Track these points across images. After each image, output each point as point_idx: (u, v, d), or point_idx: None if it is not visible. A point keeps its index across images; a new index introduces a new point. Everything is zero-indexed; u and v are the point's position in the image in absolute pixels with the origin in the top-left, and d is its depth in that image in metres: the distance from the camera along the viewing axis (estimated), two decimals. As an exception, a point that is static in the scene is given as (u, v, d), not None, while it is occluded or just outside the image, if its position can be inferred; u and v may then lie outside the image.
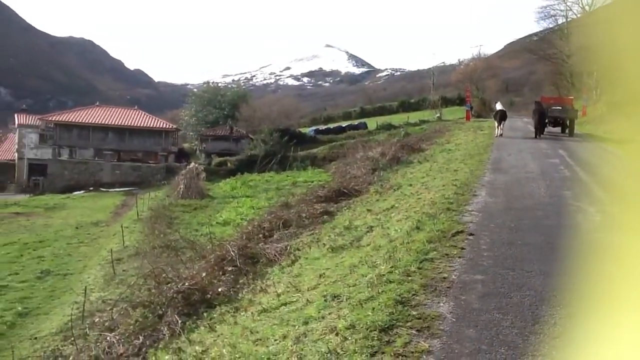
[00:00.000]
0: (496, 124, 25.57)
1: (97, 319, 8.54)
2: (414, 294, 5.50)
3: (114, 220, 26.40)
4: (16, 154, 46.24)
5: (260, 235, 11.53)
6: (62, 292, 15.61)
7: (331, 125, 57.16)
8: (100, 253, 19.55)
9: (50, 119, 45.78)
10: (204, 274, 8.46)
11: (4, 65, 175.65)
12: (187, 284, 7.93)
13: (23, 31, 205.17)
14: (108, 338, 6.79)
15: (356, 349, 4.47)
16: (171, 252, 16.47)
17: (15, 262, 18.96)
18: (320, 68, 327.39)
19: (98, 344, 6.86)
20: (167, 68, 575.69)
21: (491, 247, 7.11)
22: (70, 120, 45.06)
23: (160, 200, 28.71)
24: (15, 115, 49.86)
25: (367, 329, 4.77)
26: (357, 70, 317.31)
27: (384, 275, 6.18)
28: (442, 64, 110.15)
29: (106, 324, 7.89)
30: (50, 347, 9.18)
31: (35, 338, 11.55)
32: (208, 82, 71.25)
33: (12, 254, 20.19)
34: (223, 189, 32.39)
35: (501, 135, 24.68)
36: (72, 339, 7.78)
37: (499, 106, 26.72)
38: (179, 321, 7.02)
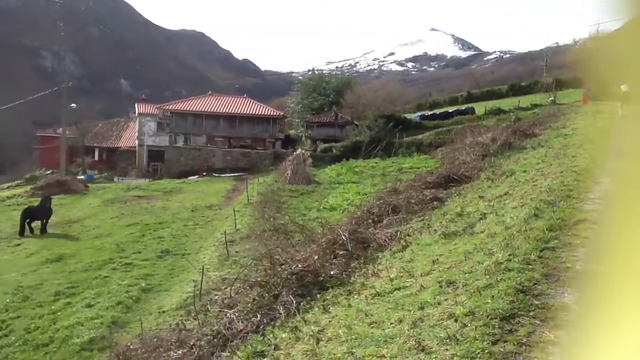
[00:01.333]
0: (619, 105, 23.91)
1: (217, 297, 8.99)
2: (535, 283, 5.29)
3: (226, 204, 27.57)
4: (137, 141, 49.45)
5: (370, 221, 11.57)
6: (181, 271, 16.57)
7: (437, 111, 56.03)
8: (214, 235, 20.50)
9: (167, 107, 48.42)
10: (316, 257, 8.63)
11: (125, 58, 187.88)
12: (300, 266, 8.13)
13: (141, 26, 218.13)
14: (228, 314, 7.13)
15: (476, 336, 4.38)
16: (280, 235, 16.97)
17: (139, 242, 20.33)
18: (425, 52, 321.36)
19: (218, 319, 7.22)
20: (273, 57, 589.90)
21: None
22: (185, 109, 47.42)
23: (268, 185, 29.60)
24: (136, 105, 53.24)
25: (487, 317, 4.66)
26: (464, 54, 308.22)
27: (502, 263, 6.00)
28: (556, 45, 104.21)
29: (225, 301, 8.29)
30: (175, 321, 9.77)
31: (163, 311, 12.37)
32: (313, 70, 72.11)
33: (136, 234, 21.68)
34: (329, 175, 32.83)
35: (625, 117, 23.03)
36: (194, 314, 8.27)
37: (624, 87, 24.93)
38: (294, 301, 7.22)
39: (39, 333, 12.21)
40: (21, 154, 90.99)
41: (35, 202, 27.04)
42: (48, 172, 44.48)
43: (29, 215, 24.19)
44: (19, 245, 22.18)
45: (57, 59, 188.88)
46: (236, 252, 16.86)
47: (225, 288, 10.96)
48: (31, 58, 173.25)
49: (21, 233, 23.62)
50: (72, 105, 47.69)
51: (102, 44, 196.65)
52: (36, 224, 24.08)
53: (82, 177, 41.57)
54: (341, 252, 8.92)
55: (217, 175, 40.57)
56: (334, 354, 5.01)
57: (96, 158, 53.34)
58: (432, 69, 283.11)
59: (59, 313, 13.31)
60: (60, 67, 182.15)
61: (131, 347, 7.23)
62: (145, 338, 7.43)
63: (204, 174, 41.11)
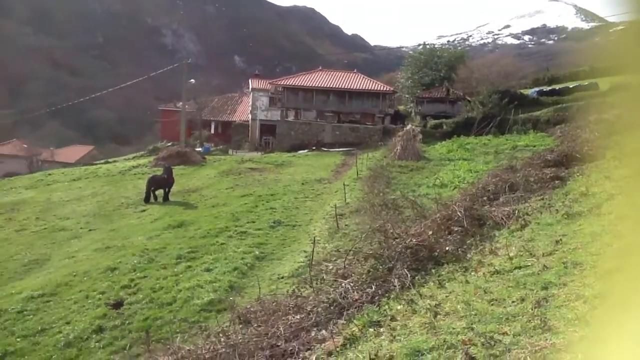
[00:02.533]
0: None
1: (331, 267, 9.18)
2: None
3: (335, 178, 27.90)
4: (250, 116, 51.11)
5: (485, 198, 11.26)
6: (292, 241, 17.05)
7: (556, 87, 52.96)
8: (324, 208, 20.85)
9: (278, 83, 49.49)
10: (430, 233, 8.56)
11: (239, 35, 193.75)
12: (414, 240, 8.11)
13: (255, 3, 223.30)
14: (343, 284, 7.27)
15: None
16: (390, 210, 16.97)
17: (252, 212, 21.12)
18: (544, 25, 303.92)
19: (334, 288, 7.39)
20: (382, 32, 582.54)
21: None
22: (296, 84, 48.23)
23: (377, 160, 29.56)
24: (249, 80, 54.89)
25: (620, 300, 4.41)
26: (586, 25, 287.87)
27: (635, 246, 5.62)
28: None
29: (339, 271, 8.45)
30: (287, 289, 10.11)
31: (276, 279, 12.84)
32: (423, 44, 70.51)
33: (249, 204, 22.52)
34: (439, 151, 32.21)
35: None
36: (310, 281, 8.51)
37: None
38: (409, 275, 7.22)
39: (163, 293, 13.07)
40: (144, 127, 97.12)
41: (159, 171, 28.82)
42: (169, 144, 47.17)
43: (153, 183, 25.86)
44: (144, 211, 23.82)
45: (176, 37, 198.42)
46: (346, 225, 17.07)
47: (336, 260, 11.17)
48: (153, 37, 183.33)
49: (146, 200, 25.34)
50: (191, 80, 50.07)
51: (218, 21, 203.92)
52: (159, 191, 25.71)
53: (199, 149, 43.75)
54: (456, 229, 8.78)
55: (326, 149, 41.09)
56: (453, 329, 4.97)
57: (212, 131, 55.74)
58: (551, 42, 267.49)
59: (181, 275, 14.18)
60: (180, 45, 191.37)
61: (251, 309, 7.60)
62: (263, 302, 7.77)
63: (314, 148, 41.78)
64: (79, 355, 10.34)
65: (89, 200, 26.82)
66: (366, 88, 47.09)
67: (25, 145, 76.47)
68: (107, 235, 19.86)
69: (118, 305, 12.49)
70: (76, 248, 18.68)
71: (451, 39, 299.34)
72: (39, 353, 10.57)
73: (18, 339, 11.22)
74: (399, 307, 6.23)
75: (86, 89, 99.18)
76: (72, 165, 54.07)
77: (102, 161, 49.55)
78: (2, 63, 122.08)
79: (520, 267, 6.44)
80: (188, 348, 6.08)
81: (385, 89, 48.19)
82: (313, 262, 12.34)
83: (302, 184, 26.67)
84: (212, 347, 5.94)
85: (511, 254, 6.99)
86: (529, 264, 6.49)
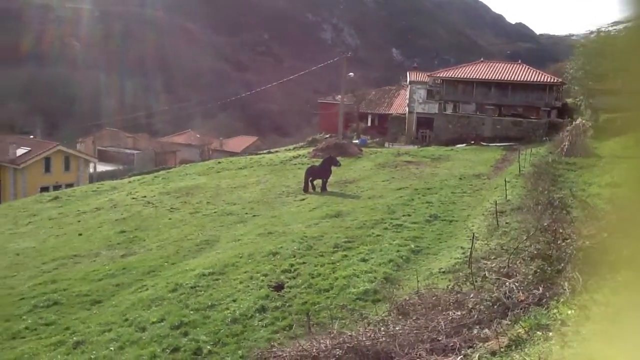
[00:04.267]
0: None
1: (493, 265, 8.86)
2: None
3: (494, 174, 26.86)
4: (407, 108, 50.89)
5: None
6: (448, 237, 16.72)
7: None
8: (483, 204, 20.16)
9: (437, 75, 48.67)
10: (605, 235, 7.89)
11: (396, 28, 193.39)
12: (587, 242, 7.53)
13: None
14: (507, 283, 6.98)
15: None
16: (556, 209, 15.92)
17: (408, 205, 21.04)
18: None
19: (497, 287, 7.12)
20: (549, 19, 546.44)
21: None
22: (455, 76, 47.08)
23: (542, 156, 27.91)
24: (407, 73, 54.61)
25: None
26: None
27: None
28: None
29: (502, 270, 8.12)
30: (443, 284, 9.93)
31: (432, 273, 12.69)
32: (596, 31, 64.96)
33: (405, 197, 22.46)
34: (612, 148, 29.57)
35: None
36: (471, 279, 8.28)
37: None
38: (580, 279, 6.74)
39: (321, 279, 13.51)
40: (303, 119, 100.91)
41: (317, 162, 29.78)
42: (327, 135, 48.53)
43: (311, 174, 26.81)
44: (303, 200, 24.79)
45: (335, 32, 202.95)
46: (506, 223, 16.34)
47: (495, 258, 10.74)
48: (314, 32, 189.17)
49: (305, 189, 26.35)
50: (350, 74, 50.99)
51: (376, 14, 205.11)
52: (317, 182, 26.58)
53: (356, 141, 44.50)
54: (636, 232, 7.97)
55: (485, 144, 39.66)
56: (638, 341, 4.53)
57: (369, 124, 56.36)
58: None
59: (338, 263, 14.54)
60: (339, 39, 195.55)
61: (410, 301, 7.58)
62: (422, 295, 7.71)
63: (472, 142, 40.52)
64: (243, 332, 11.04)
65: (253, 188, 28.51)
66: (530, 80, 44.63)
67: (198, 135, 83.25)
68: (269, 221, 20.96)
69: (279, 287, 13.14)
70: (242, 232, 19.95)
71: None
72: (208, 326, 11.45)
73: (191, 312, 12.24)
74: (569, 312, 5.84)
75: (252, 83, 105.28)
76: (238, 154, 57.86)
77: (265, 151, 52.34)
78: (181, 59, 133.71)
79: None
80: (349, 334, 6.22)
81: (551, 80, 45.30)
82: (472, 259, 12.00)
83: (460, 178, 26.02)
84: (372, 335, 6.03)
85: None
86: None
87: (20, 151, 57.08)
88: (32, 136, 73.59)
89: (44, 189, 50.74)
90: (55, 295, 14.89)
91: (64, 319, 13.35)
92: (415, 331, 5.99)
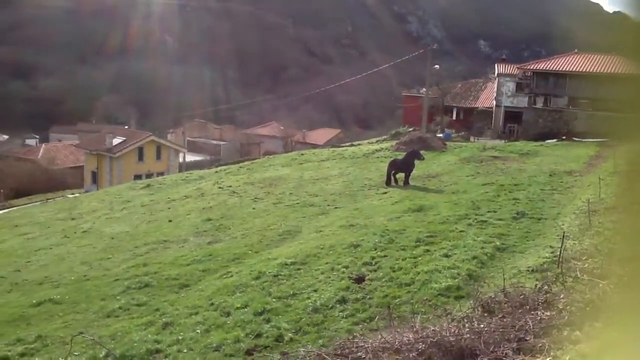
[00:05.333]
0: None
1: (585, 265, 8.47)
2: None
3: (587, 171, 25.62)
4: (494, 102, 49.41)
5: None
6: (536, 235, 16.11)
7: None
8: (574, 202, 19.29)
9: (527, 67, 46.93)
10: None
11: (484, 19, 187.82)
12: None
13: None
14: (600, 285, 6.66)
15: None
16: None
17: (493, 201, 20.45)
18: None
19: (589, 288, 6.80)
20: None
21: None
22: (546, 68, 45.21)
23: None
24: (495, 65, 52.99)
25: None
26: None
27: None
28: None
29: (595, 271, 7.75)
30: (530, 283, 9.60)
31: (518, 272, 12.30)
32: None
33: (490, 193, 21.85)
34: None
35: None
36: (562, 279, 7.96)
37: None
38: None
39: (402, 273, 13.40)
40: (386, 112, 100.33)
41: (400, 156, 29.52)
42: (410, 129, 48.01)
43: (394, 167, 26.61)
44: (385, 193, 24.67)
45: (421, 24, 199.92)
46: (599, 222, 15.54)
47: (587, 259, 10.26)
48: (399, 24, 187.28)
49: (387, 183, 26.21)
50: (436, 66, 50.16)
51: (463, 6, 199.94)
52: (400, 175, 26.36)
53: (440, 135, 43.75)
54: None
55: (578, 139, 37.86)
56: None
57: (454, 117, 55.23)
58: None
59: (419, 258, 14.37)
60: (424, 31, 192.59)
61: (495, 299, 7.39)
62: (509, 293, 7.49)
63: (564, 137, 38.82)
64: (324, 321, 11.15)
65: (335, 180, 28.69)
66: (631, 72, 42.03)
67: (281, 128, 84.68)
68: (350, 214, 21.02)
69: (360, 279, 13.17)
70: (323, 223, 20.14)
71: None
72: (290, 314, 11.65)
73: (274, 299, 12.50)
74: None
75: (336, 76, 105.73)
76: (321, 146, 58.35)
77: (348, 144, 52.50)
78: (267, 53, 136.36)
79: None
80: (433, 328, 6.15)
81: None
82: (562, 259, 11.52)
83: (550, 175, 25.00)
84: (456, 331, 5.92)
85: None
86: None
87: (116, 141, 60.40)
88: (126, 127, 77.71)
89: (137, 177, 53.43)
90: (146, 278, 15.64)
91: (154, 301, 14.01)
92: (501, 329, 5.83)
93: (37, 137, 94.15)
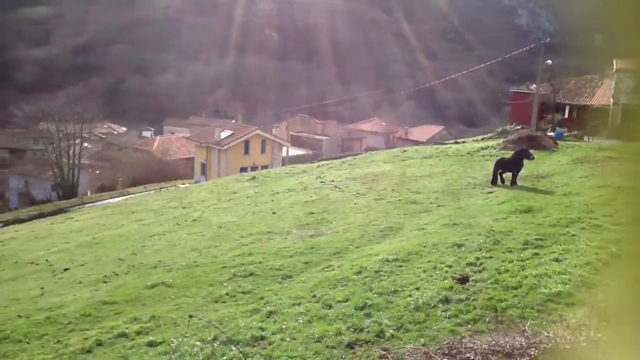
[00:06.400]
0: None
1: None
2: None
3: None
4: (611, 99, 46.40)
5: None
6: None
7: None
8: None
9: (650, 62, 43.59)
10: None
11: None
12: None
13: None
14: None
15: None
16: None
17: (609, 205, 19.19)
18: None
19: None
20: None
21: None
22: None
23: None
24: (613, 61, 49.67)
25: None
26: None
27: None
28: None
29: None
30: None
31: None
32: None
33: (605, 196, 20.53)
34: None
35: None
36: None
37: None
38: None
39: (509, 276, 12.94)
40: (492, 109, 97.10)
41: (507, 154, 28.49)
42: (518, 127, 46.18)
43: (501, 166, 25.72)
44: (490, 192, 23.91)
45: (532, 17, 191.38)
46: None
47: None
48: (508, 17, 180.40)
49: (493, 182, 25.39)
50: (548, 61, 47.83)
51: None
52: (507, 175, 25.44)
53: (551, 133, 41.74)
54: None
55: None
56: None
57: (566, 115, 52.48)
58: None
59: (527, 261, 13.81)
60: (535, 25, 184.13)
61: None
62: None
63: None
64: (426, 320, 11.03)
65: (438, 178, 28.20)
66: None
67: (383, 124, 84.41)
68: (454, 213, 20.59)
69: (464, 280, 12.88)
70: (426, 221, 19.87)
71: None
72: (391, 311, 11.62)
73: (375, 295, 12.52)
74: None
75: (440, 71, 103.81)
76: (423, 143, 57.57)
77: (452, 141, 51.39)
78: (370, 48, 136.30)
79: None
80: (546, 334, 5.91)
81: None
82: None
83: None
84: (571, 339, 5.66)
85: None
86: None
87: (224, 134, 62.91)
88: (233, 121, 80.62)
89: (243, 169, 55.40)
90: (251, 267, 16.19)
91: (258, 289, 14.48)
92: (621, 340, 5.50)
93: (152, 129, 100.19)
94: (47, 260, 22.06)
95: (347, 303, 12.19)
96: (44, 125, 69.35)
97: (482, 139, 46.24)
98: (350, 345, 10.24)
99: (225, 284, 15.09)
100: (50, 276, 19.32)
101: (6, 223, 43.21)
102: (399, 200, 24.03)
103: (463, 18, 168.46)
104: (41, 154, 70.29)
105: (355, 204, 24.40)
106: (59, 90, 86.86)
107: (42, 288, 17.44)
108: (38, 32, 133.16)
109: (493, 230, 16.81)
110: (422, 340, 10.08)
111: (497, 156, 29.67)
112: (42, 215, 43.84)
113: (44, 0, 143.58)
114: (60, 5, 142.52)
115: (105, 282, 17.08)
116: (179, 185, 52.64)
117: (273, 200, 27.77)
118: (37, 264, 21.70)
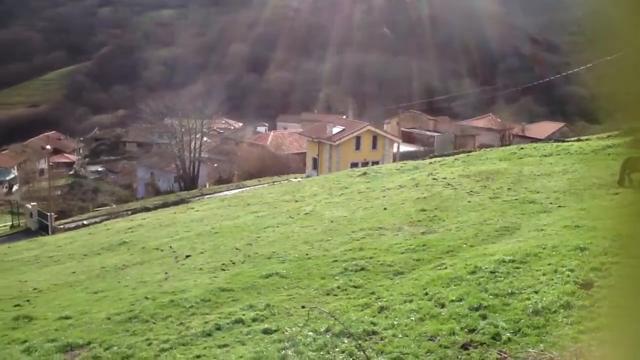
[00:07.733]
0: None
1: None
2: None
3: None
4: None
5: None
6: None
7: None
8: None
9: None
10: None
11: None
12: None
13: None
14: None
15: None
16: None
17: None
18: None
19: None
20: None
21: None
22: None
23: None
24: None
25: None
26: None
27: None
28: None
29: None
30: None
31: None
32: None
33: None
34: None
35: None
36: None
37: None
38: None
39: (638, 283, 12.08)
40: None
41: (636, 153, 26.47)
42: (649, 123, 42.71)
43: (629, 165, 23.95)
44: (616, 194, 22.35)
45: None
46: None
47: None
48: None
49: (620, 182, 23.70)
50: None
51: None
52: (636, 175, 23.65)
53: (688, 131, 38.23)
54: None
55: None
56: None
57: None
58: None
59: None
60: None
61: None
62: None
63: None
64: (546, 325, 10.54)
65: (559, 177, 26.78)
66: None
67: (499, 120, 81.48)
68: (576, 214, 19.47)
69: (587, 286, 12.17)
70: (545, 222, 18.96)
71: None
72: (508, 313, 11.22)
73: (490, 296, 12.15)
74: None
75: (561, 66, 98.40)
76: (542, 141, 54.90)
77: (574, 139, 48.55)
78: (484, 42, 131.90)
79: None
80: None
81: None
82: None
83: None
84: None
85: None
86: None
87: (335, 130, 63.66)
88: (345, 116, 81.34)
89: (354, 165, 55.80)
90: (362, 262, 16.28)
91: (369, 284, 14.54)
92: None
93: (267, 124, 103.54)
94: (170, 247, 23.52)
95: (460, 303, 11.93)
96: (168, 121, 73.93)
97: (608, 137, 43.25)
98: (464, 346, 10.02)
99: (336, 277, 15.29)
100: (174, 262, 20.56)
101: (134, 211, 46.66)
102: (516, 199, 23.11)
103: (587, 10, 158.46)
104: (165, 148, 74.91)
105: (468, 201, 23.78)
106: (182, 88, 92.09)
107: (166, 273, 18.59)
108: (164, 34, 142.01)
109: (620, 234, 15.75)
110: (541, 345, 9.66)
111: (624, 155, 27.65)
112: (165, 205, 46.88)
113: (170, 4, 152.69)
114: (185, 7, 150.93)
115: (223, 269, 17.90)
116: (292, 180, 54.01)
117: (384, 196, 27.73)
118: (161, 250, 23.19)
